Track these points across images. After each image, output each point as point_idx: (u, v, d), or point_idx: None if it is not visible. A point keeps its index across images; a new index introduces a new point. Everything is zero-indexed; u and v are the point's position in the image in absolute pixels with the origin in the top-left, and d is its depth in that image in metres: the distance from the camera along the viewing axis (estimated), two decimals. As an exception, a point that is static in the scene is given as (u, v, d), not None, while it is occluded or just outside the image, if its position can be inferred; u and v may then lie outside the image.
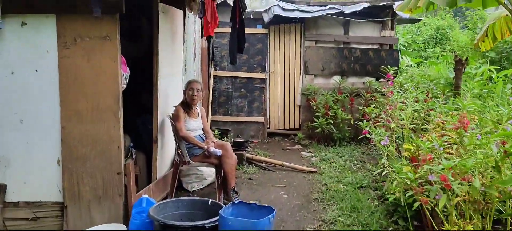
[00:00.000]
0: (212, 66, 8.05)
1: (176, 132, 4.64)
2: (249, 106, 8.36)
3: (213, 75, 8.13)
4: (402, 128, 5.11)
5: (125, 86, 3.85)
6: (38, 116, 3.69)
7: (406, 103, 5.20)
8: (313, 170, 6.20)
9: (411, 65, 12.81)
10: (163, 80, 4.69)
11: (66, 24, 3.59)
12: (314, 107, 7.93)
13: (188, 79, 5.03)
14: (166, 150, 5.01)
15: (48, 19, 3.58)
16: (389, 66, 6.73)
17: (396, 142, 5.15)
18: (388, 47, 8.27)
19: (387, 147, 4.54)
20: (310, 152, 7.44)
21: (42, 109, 3.68)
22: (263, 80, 8.34)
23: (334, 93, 8.05)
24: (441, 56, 14.79)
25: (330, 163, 6.57)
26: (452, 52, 15.27)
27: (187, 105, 4.77)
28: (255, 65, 8.32)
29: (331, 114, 7.77)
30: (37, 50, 3.62)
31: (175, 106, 4.77)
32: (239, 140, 6.86)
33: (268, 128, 8.49)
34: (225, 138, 7.62)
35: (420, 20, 10.40)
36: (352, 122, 7.72)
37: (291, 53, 8.35)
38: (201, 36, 6.79)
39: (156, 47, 4.47)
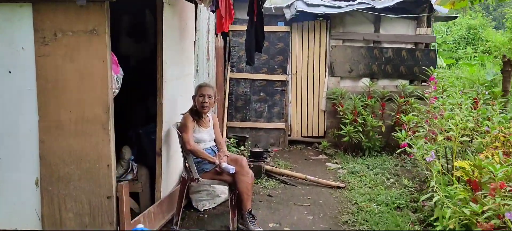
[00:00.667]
0: (229, 67, 7.41)
1: (183, 144, 4.00)
2: (269, 111, 7.68)
3: (230, 78, 7.48)
4: (448, 141, 4.33)
5: (117, 90, 3.21)
6: (12, 127, 3.08)
7: (453, 110, 4.42)
8: (341, 185, 5.49)
9: (442, 67, 12.01)
10: (170, 84, 4.09)
11: (44, 16, 2.96)
12: (341, 113, 7.18)
13: (199, 83, 4.40)
14: (173, 163, 4.38)
15: (22, 8, 2.96)
16: (431, 67, 5.94)
17: (439, 157, 4.38)
18: (423, 47, 7.48)
19: (434, 165, 3.80)
20: (336, 162, 6.72)
21: (17, 120, 3.08)
22: (285, 83, 7.64)
23: (363, 97, 7.29)
24: (474, 57, 13.99)
25: (360, 177, 5.86)
26: (486, 53, 14.44)
27: (196, 113, 4.14)
28: (275, 67, 7.63)
29: (359, 121, 7.02)
30: (10, 47, 3.01)
31: (183, 115, 4.14)
32: (257, 150, 6.15)
33: (290, 135, 7.80)
34: (242, 147, 6.99)
35: (456, 17, 9.53)
36: (383, 129, 6.98)
37: (315, 53, 7.64)
38: (216, 34, 6.14)
39: (160, 45, 3.88)
